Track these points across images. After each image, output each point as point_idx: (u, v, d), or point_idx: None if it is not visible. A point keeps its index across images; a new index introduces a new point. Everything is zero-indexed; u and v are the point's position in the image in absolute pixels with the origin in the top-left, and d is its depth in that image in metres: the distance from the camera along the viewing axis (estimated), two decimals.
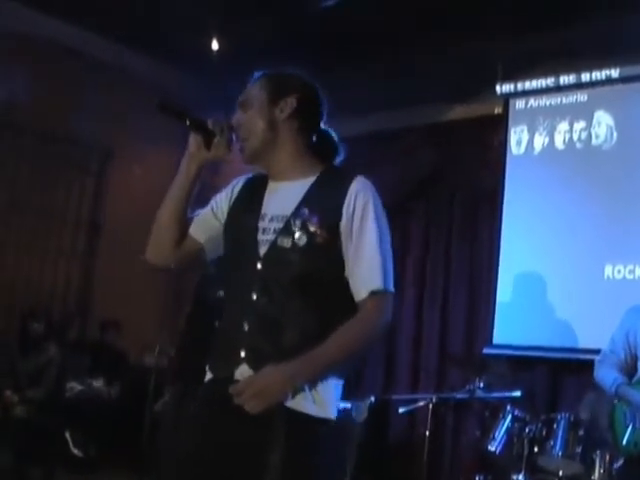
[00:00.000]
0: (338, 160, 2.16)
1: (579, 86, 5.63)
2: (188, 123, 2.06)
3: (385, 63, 6.10)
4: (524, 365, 5.50)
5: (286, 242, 1.97)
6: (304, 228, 1.96)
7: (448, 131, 6.34)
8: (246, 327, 1.97)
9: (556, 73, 5.68)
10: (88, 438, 5.66)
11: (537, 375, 5.46)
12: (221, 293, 2.20)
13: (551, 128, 5.75)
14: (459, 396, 4.65)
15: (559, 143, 5.72)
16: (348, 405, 4.56)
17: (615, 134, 5.44)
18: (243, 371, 1.95)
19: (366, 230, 1.98)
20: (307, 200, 2.01)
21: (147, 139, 6.58)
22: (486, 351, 5.64)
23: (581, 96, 5.66)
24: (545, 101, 5.84)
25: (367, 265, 1.97)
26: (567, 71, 5.63)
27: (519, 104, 5.95)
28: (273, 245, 1.98)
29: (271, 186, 2.10)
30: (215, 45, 6.10)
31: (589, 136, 5.57)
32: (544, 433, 4.14)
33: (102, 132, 6.51)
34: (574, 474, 4.10)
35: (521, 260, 5.70)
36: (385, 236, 2.02)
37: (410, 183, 6.48)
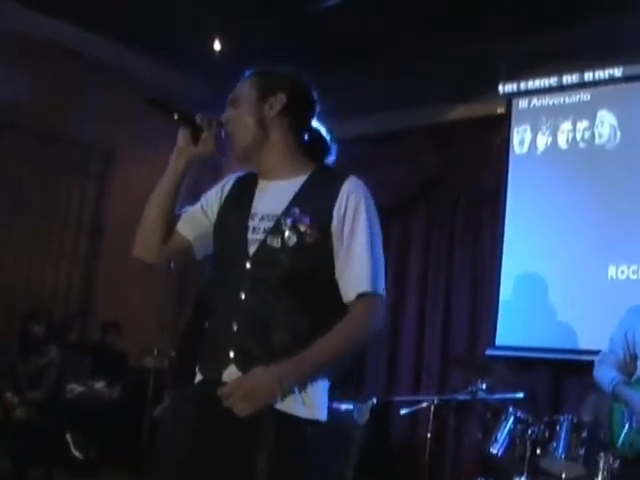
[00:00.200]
0: (330, 159, 2.13)
1: (582, 85, 5.60)
2: (176, 117, 2.05)
3: (386, 64, 6.08)
4: (527, 366, 5.47)
5: (276, 242, 1.94)
6: (294, 228, 1.94)
7: (450, 131, 6.32)
8: (235, 327, 1.95)
9: (559, 72, 5.66)
10: (89, 440, 5.64)
11: (540, 377, 5.42)
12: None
13: (554, 128, 5.73)
14: (461, 398, 4.62)
15: (562, 143, 5.69)
16: (350, 407, 4.54)
17: (618, 133, 5.42)
18: (231, 372, 1.93)
19: (357, 232, 1.95)
20: (298, 199, 1.99)
21: (149, 140, 6.54)
22: (488, 352, 5.61)
23: (584, 95, 5.63)
24: (548, 101, 5.81)
25: (357, 267, 1.93)
26: (570, 70, 5.61)
27: (522, 104, 5.92)
28: (262, 245, 1.96)
29: (262, 185, 2.08)
30: (217, 45, 6.09)
31: (592, 135, 5.54)
32: (547, 435, 4.11)
33: (103, 133, 6.51)
34: (577, 476, 4.07)
35: (524, 261, 5.67)
36: (377, 238, 1.98)
37: (412, 184, 6.45)
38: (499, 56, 5.77)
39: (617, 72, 5.40)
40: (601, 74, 5.46)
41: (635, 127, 5.35)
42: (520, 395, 4.49)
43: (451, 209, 6.35)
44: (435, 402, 4.57)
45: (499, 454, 4.25)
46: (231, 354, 1.94)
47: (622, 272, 5.18)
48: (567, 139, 5.66)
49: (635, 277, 5.13)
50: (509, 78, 5.86)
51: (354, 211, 1.95)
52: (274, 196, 2.02)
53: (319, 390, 1.93)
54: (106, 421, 5.77)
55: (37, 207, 6.36)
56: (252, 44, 5.59)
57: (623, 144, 5.38)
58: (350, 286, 1.94)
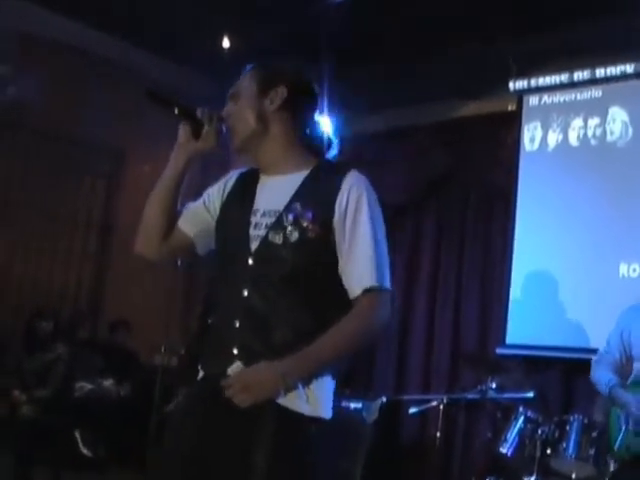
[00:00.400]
0: (332, 154, 2.11)
1: (593, 82, 5.55)
2: (176, 111, 2.04)
3: (397, 61, 6.06)
4: (537, 365, 5.43)
5: (277, 238, 1.93)
6: (296, 223, 1.92)
7: (460, 128, 6.28)
8: (237, 324, 1.94)
9: (570, 69, 5.61)
10: (97, 438, 5.65)
11: (550, 376, 5.37)
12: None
13: (565, 124, 5.68)
14: (471, 397, 4.60)
15: (573, 140, 5.64)
16: (359, 405, 4.52)
17: (630, 130, 5.36)
18: (236, 367, 1.92)
19: (359, 226, 1.92)
20: (299, 195, 1.97)
21: (158, 139, 6.48)
22: (499, 351, 5.57)
23: (595, 92, 5.58)
24: (559, 97, 5.76)
25: (361, 262, 1.91)
26: (581, 67, 5.56)
27: (533, 100, 5.88)
28: (264, 240, 1.95)
29: (263, 180, 2.06)
30: (226, 43, 6.08)
31: (604, 132, 5.48)
32: (557, 435, 4.08)
33: (111, 132, 6.49)
34: (587, 477, 4.04)
35: (534, 259, 5.62)
36: (380, 232, 1.96)
37: (422, 181, 6.43)
38: (510, 53, 5.73)
39: (629, 68, 5.35)
40: (613, 70, 5.41)
41: None
42: (530, 394, 4.46)
43: (461, 206, 6.32)
44: (445, 401, 4.56)
45: (509, 454, 4.23)
46: (234, 351, 1.93)
47: (634, 270, 5.12)
48: (578, 136, 5.61)
49: None
50: (520, 75, 5.82)
51: (356, 204, 1.93)
52: (276, 191, 2.00)
53: (324, 387, 1.92)
54: (115, 419, 5.77)
55: (47, 207, 6.35)
56: (261, 44, 5.58)
57: (635, 141, 5.32)
58: (355, 281, 1.92)
